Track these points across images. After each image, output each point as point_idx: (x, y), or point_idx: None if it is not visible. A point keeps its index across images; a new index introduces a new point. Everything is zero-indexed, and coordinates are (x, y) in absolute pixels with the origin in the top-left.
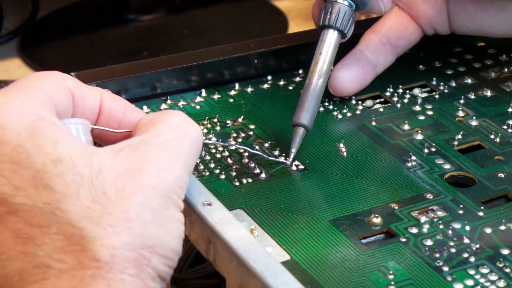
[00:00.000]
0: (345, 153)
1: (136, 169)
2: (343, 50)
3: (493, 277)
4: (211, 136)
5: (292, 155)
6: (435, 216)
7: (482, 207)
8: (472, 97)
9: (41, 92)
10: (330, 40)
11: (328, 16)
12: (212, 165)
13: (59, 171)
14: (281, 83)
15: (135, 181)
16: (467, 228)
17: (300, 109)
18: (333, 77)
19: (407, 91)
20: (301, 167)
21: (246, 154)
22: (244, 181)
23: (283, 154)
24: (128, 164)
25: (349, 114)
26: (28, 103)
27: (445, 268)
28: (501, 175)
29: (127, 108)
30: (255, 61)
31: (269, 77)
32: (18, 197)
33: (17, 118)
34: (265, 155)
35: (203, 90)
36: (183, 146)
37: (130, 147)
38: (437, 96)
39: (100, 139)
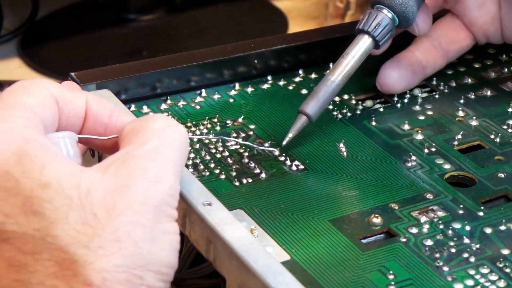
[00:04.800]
0: (345, 153)
1: (125, 185)
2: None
3: (493, 277)
4: (211, 136)
5: (287, 139)
6: (435, 216)
7: (482, 207)
8: (472, 97)
9: (26, 109)
10: (362, 45)
11: (367, 22)
12: (212, 165)
13: (47, 196)
14: (281, 83)
15: (124, 198)
16: (467, 228)
17: (311, 98)
18: (381, 73)
19: (407, 91)
20: (301, 167)
21: (246, 154)
22: (244, 181)
23: (283, 154)
24: (117, 181)
25: (349, 114)
26: (14, 124)
27: (445, 268)
28: (501, 175)
29: (113, 111)
30: (255, 61)
31: (269, 77)
32: (9, 225)
33: (3, 142)
34: (254, 145)
35: (203, 90)
36: (169, 151)
37: (117, 162)
38: (437, 96)
39: (88, 145)
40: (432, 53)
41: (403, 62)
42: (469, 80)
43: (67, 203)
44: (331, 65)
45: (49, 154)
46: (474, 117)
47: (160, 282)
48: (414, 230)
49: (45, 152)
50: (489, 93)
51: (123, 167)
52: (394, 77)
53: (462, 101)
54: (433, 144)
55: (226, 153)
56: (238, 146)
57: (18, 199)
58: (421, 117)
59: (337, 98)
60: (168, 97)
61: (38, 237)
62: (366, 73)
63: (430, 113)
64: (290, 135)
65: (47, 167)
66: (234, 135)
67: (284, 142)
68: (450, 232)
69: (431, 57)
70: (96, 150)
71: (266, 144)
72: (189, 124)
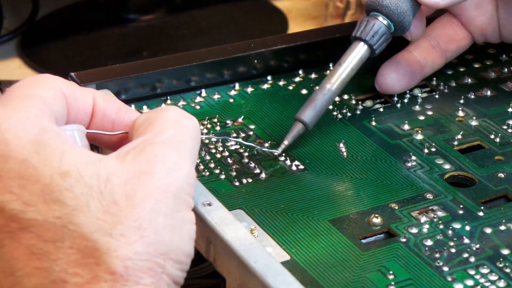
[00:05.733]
0: (345, 153)
1: (145, 172)
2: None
3: (493, 277)
4: (211, 135)
5: (282, 146)
6: (435, 216)
7: (482, 207)
8: (472, 97)
9: (40, 101)
10: (357, 52)
11: (364, 30)
12: (212, 165)
13: (67, 184)
14: (281, 83)
15: (145, 185)
16: (467, 228)
17: (307, 106)
18: (380, 74)
19: (407, 91)
20: (301, 167)
21: (246, 154)
22: (244, 181)
23: (283, 154)
24: (136, 168)
25: (349, 114)
26: (30, 114)
27: (445, 268)
28: (501, 175)
29: (120, 108)
30: (255, 61)
31: (269, 77)
32: (29, 213)
33: (20, 131)
34: (258, 146)
35: (203, 90)
36: (185, 140)
37: (135, 150)
38: (437, 96)
39: (94, 141)
40: (431, 53)
41: (401, 63)
42: (469, 80)
43: (87, 192)
44: (331, 65)
45: (66, 143)
46: (474, 117)
47: (179, 271)
48: (414, 230)
49: (63, 141)
50: (489, 93)
51: (142, 154)
52: (393, 78)
53: (462, 101)
54: (433, 144)
55: (226, 153)
56: (238, 146)
57: (37, 187)
58: (421, 117)
59: (337, 98)
60: (168, 97)
61: (59, 224)
62: (365, 73)
63: (430, 113)
64: (286, 142)
65: (66, 156)
66: (234, 135)
67: (280, 150)
68: (450, 232)
69: (430, 57)
70: (99, 147)
71: (266, 144)
72: None
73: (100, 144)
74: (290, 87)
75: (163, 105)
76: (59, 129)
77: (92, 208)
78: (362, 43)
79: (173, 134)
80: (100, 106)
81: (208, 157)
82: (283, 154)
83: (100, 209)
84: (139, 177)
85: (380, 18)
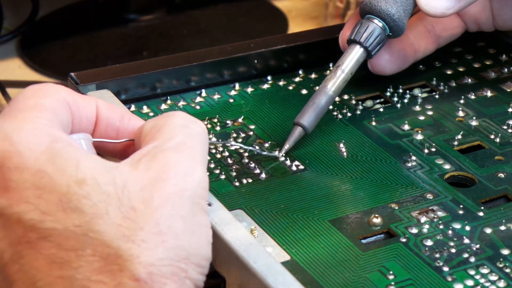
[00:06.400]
0: (345, 153)
1: (159, 178)
2: None
3: (493, 277)
4: (211, 136)
5: (283, 150)
6: (435, 216)
7: (482, 207)
8: (472, 97)
9: (46, 111)
10: (354, 55)
11: (360, 33)
12: (212, 165)
13: (85, 192)
14: (281, 83)
15: (161, 191)
16: (467, 228)
17: (306, 110)
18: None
19: (407, 91)
20: (301, 167)
21: (246, 154)
22: (244, 181)
23: (283, 155)
24: (151, 175)
25: (349, 114)
26: (39, 124)
27: (445, 268)
28: (501, 175)
29: (124, 115)
30: (255, 61)
31: (269, 77)
32: (48, 222)
33: (32, 142)
34: (260, 151)
35: (203, 90)
36: (195, 145)
37: (147, 157)
38: (437, 96)
39: (98, 149)
40: (425, 37)
41: (396, 45)
42: (469, 80)
43: (105, 199)
44: (331, 65)
45: (79, 151)
46: (474, 117)
47: (200, 275)
48: (414, 230)
49: (75, 150)
50: (489, 93)
51: (154, 160)
52: (386, 59)
53: (462, 101)
54: (433, 144)
55: (226, 153)
56: (238, 147)
57: (54, 196)
58: (421, 117)
59: (337, 98)
60: (168, 97)
61: (79, 233)
62: (365, 73)
63: (430, 113)
64: (287, 146)
65: (81, 164)
66: (234, 135)
67: (281, 153)
68: (450, 232)
69: (423, 42)
70: (104, 155)
71: (267, 145)
72: None
73: (104, 153)
74: (290, 87)
75: (163, 105)
76: (69, 138)
77: (112, 215)
78: (358, 46)
79: (182, 139)
80: (103, 114)
81: (208, 157)
82: (283, 155)
83: (120, 215)
84: (154, 183)
85: (376, 20)
